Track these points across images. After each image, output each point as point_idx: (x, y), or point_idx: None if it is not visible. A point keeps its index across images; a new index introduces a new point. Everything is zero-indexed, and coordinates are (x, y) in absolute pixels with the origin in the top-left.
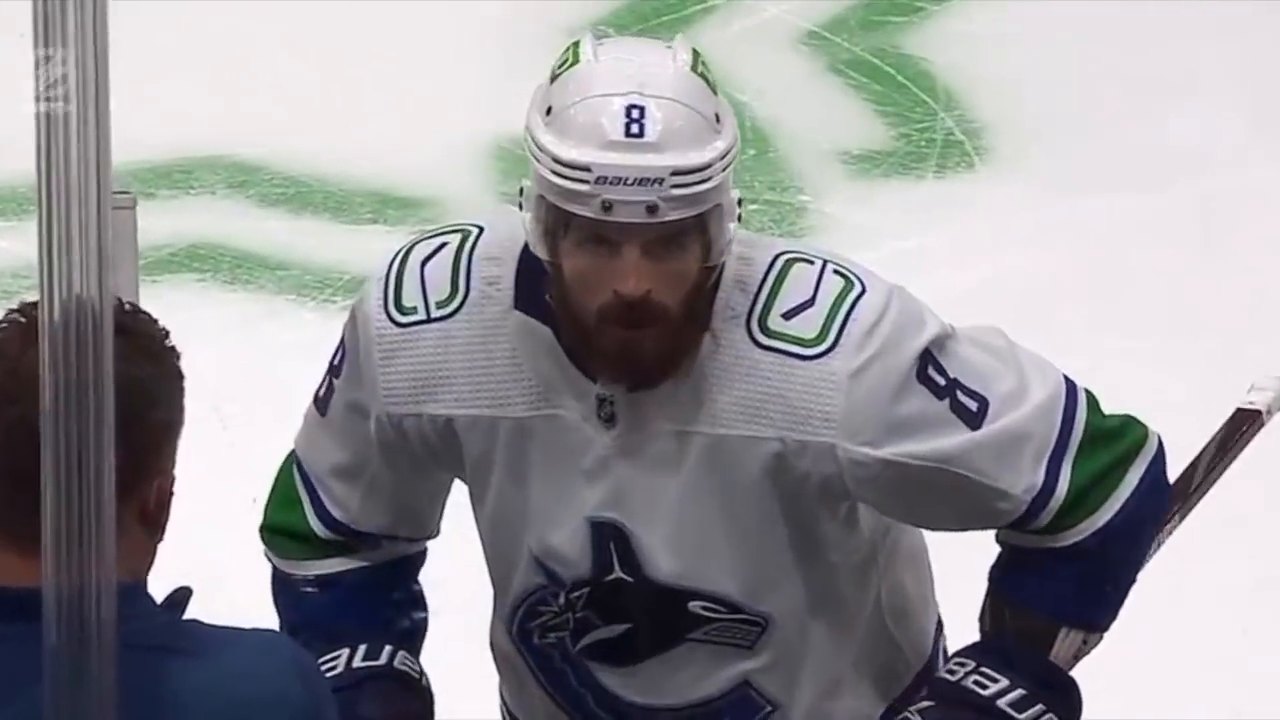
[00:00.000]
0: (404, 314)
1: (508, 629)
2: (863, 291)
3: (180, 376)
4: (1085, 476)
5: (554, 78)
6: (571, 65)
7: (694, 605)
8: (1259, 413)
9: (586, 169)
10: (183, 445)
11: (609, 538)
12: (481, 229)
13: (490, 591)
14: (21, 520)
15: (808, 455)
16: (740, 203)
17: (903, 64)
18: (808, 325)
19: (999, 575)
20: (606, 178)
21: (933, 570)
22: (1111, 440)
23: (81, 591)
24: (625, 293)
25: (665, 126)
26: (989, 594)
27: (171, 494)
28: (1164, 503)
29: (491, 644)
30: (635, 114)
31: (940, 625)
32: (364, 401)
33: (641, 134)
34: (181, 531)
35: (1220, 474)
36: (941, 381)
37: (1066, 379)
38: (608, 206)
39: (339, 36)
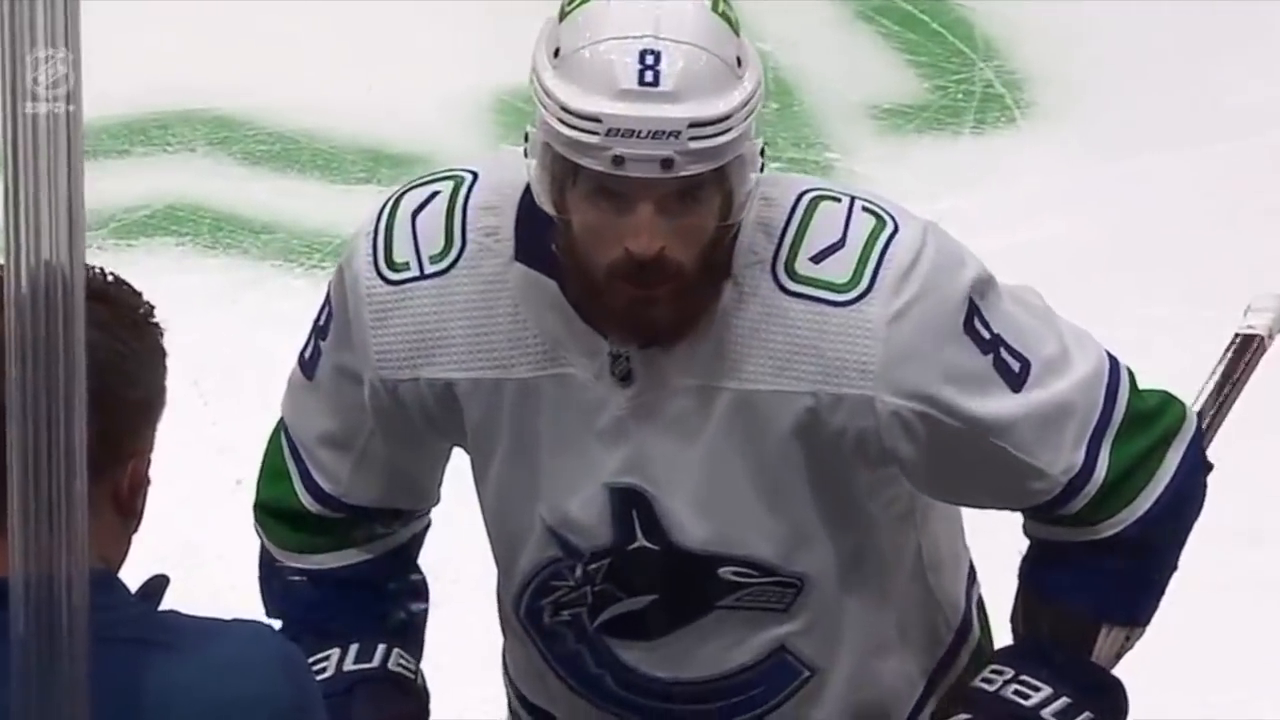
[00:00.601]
0: (395, 270)
1: (515, 611)
2: (896, 229)
3: (162, 352)
4: (1124, 460)
5: (563, 14)
6: (583, 2)
7: (724, 571)
8: (1260, 337)
9: (596, 119)
10: (163, 423)
11: (630, 504)
12: (475, 175)
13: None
14: None
15: (843, 409)
16: (763, 152)
17: (938, 10)
18: (839, 268)
19: (1031, 572)
20: (618, 130)
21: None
22: (1150, 421)
23: (51, 578)
24: (637, 251)
25: (682, 73)
26: (1020, 592)
27: (147, 477)
28: (1204, 484)
29: (502, 627)
30: (650, 60)
31: (973, 575)
32: (354, 366)
33: (656, 82)
34: (159, 516)
35: (1229, 408)
36: (986, 335)
37: (1108, 354)
38: (619, 160)
39: None
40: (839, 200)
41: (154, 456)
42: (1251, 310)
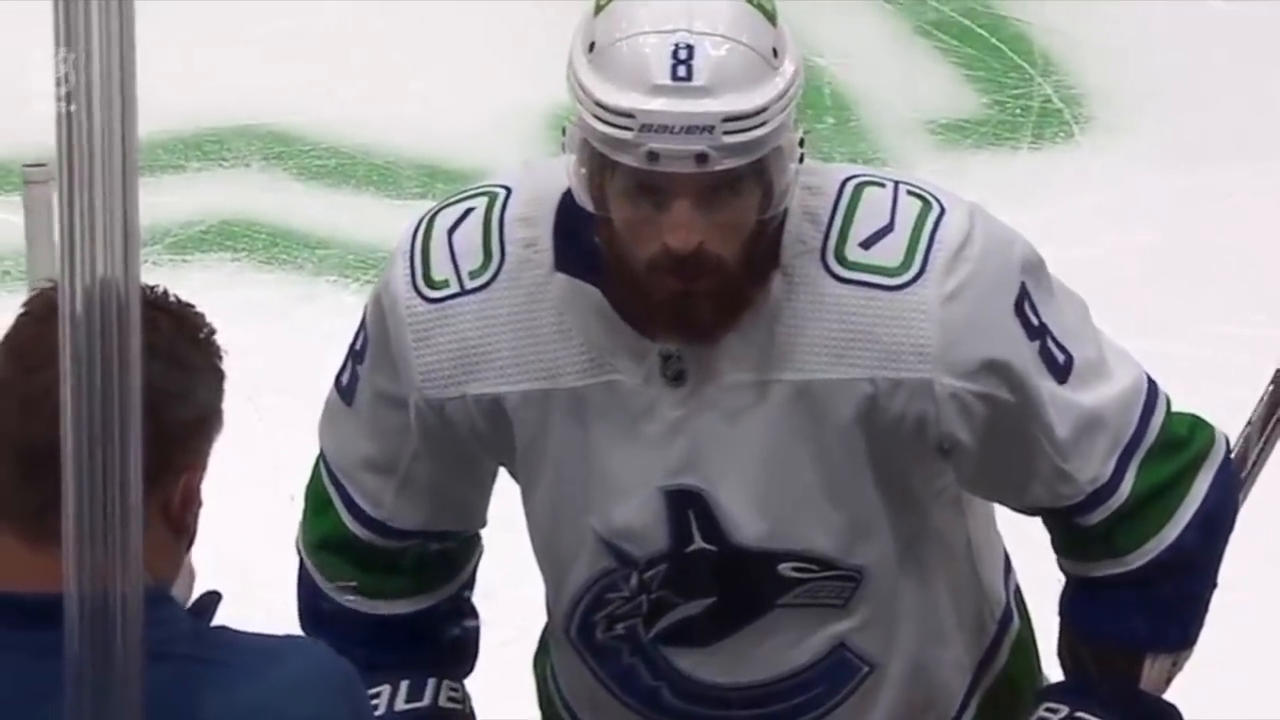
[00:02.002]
0: (435, 288)
1: (565, 631)
2: (943, 211)
3: (219, 372)
4: (1150, 483)
5: (598, 8)
6: None
7: (784, 567)
8: None
9: (630, 115)
10: (219, 437)
11: (686, 506)
12: (508, 189)
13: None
14: (34, 509)
15: (901, 394)
16: (802, 143)
17: (996, 25)
18: (889, 252)
19: (1071, 611)
20: (651, 125)
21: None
22: (1180, 448)
23: (106, 595)
24: (675, 246)
25: (716, 67)
26: (1063, 630)
27: (200, 495)
28: (1235, 506)
29: (550, 646)
30: (683, 54)
31: (1009, 564)
32: (395, 390)
33: (689, 76)
34: (213, 532)
35: (1273, 446)
36: (1034, 321)
37: (1146, 375)
38: (653, 156)
39: None
40: (883, 185)
41: (209, 472)
42: None
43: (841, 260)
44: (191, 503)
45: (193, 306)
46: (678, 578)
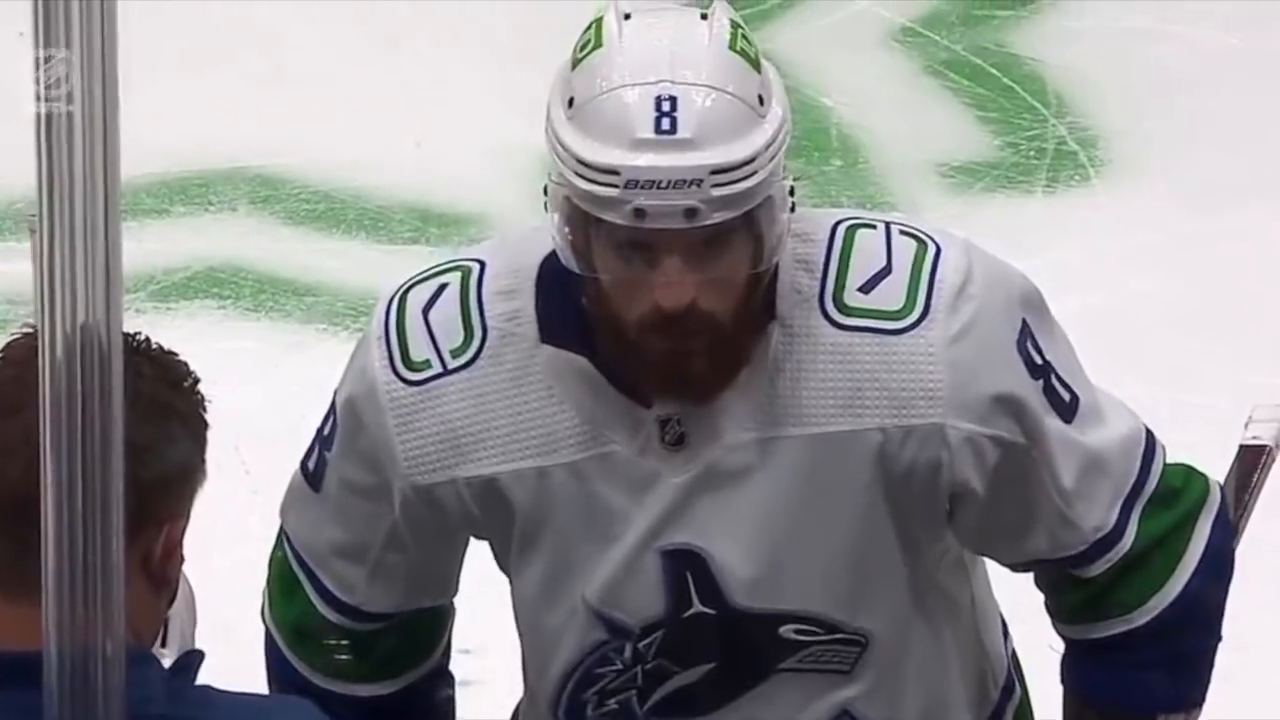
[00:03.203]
0: (415, 370)
1: (553, 712)
2: (939, 249)
3: (203, 422)
4: (1151, 533)
5: (575, 62)
6: (594, 48)
7: (786, 630)
8: (1267, 447)
9: (614, 171)
10: (204, 490)
11: (684, 567)
12: (482, 263)
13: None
14: (10, 560)
15: (913, 442)
16: (793, 191)
17: (1009, 64)
18: (890, 295)
19: (1077, 678)
20: (637, 181)
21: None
22: (1176, 498)
23: (86, 653)
24: (667, 305)
25: (701, 118)
26: (1068, 700)
27: (181, 545)
28: (1232, 554)
29: None
30: (666, 105)
31: (1005, 628)
32: (367, 479)
33: (674, 129)
34: (196, 587)
35: (1247, 520)
36: (1038, 360)
37: (1143, 423)
38: (640, 213)
39: (375, 34)
40: (874, 227)
41: (191, 525)
42: (1254, 421)
43: (841, 307)
44: (173, 556)
45: (175, 354)
46: (675, 645)
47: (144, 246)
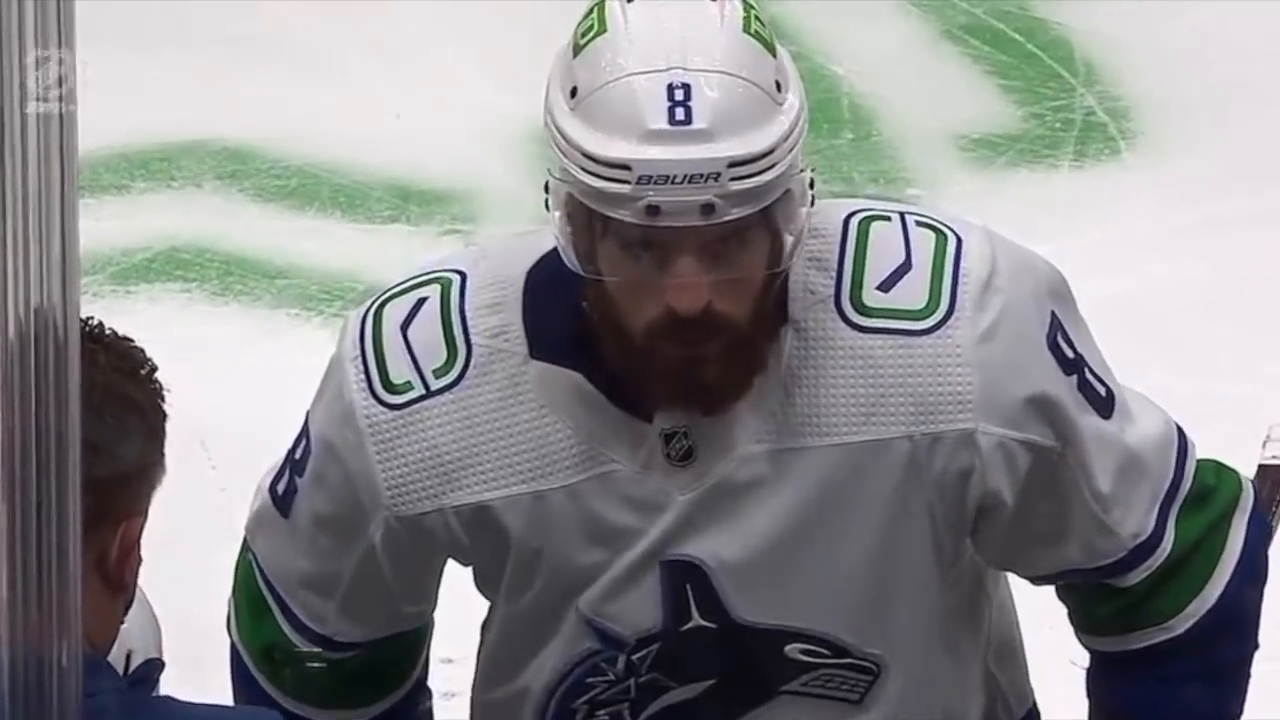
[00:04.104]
0: (396, 392)
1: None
2: (959, 240)
3: (160, 409)
4: (1188, 538)
5: (577, 48)
6: (598, 33)
7: (792, 649)
8: None
9: (625, 166)
10: (166, 487)
11: (683, 579)
12: (462, 274)
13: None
14: None
15: (942, 450)
16: (812, 184)
17: (1033, 29)
18: (912, 293)
19: (1110, 693)
20: (650, 176)
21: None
22: (1210, 497)
23: (41, 661)
24: (681, 309)
25: (717, 107)
26: (1096, 714)
27: (138, 545)
28: (1267, 557)
29: None
30: (679, 94)
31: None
32: (345, 514)
33: (689, 119)
34: (159, 592)
35: (1270, 541)
36: (1070, 354)
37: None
38: (653, 210)
39: None
40: (889, 218)
41: (155, 525)
42: (1272, 440)
43: (860, 307)
44: (130, 557)
45: (131, 341)
46: (671, 658)
47: (102, 225)
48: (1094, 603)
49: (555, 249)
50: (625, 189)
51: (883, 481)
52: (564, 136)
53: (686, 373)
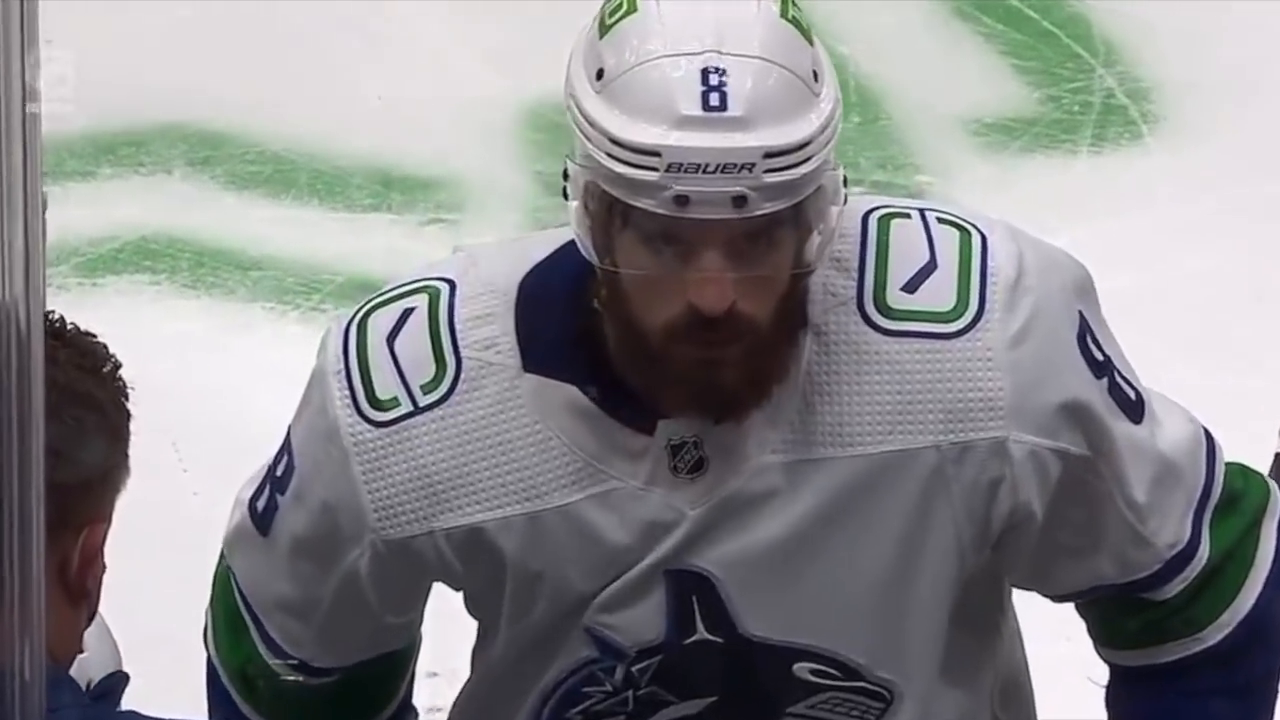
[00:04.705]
0: (382, 409)
1: None
2: (984, 238)
3: (124, 409)
4: (1222, 545)
5: (604, 27)
6: (627, 13)
7: (800, 668)
8: None
9: (654, 153)
10: (136, 492)
11: (690, 591)
12: (450, 282)
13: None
14: None
15: (971, 461)
16: (845, 181)
17: (1050, 6)
18: (939, 294)
19: (1133, 709)
20: (681, 164)
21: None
22: (1240, 502)
23: (1, 677)
24: (705, 307)
25: (753, 94)
26: None
27: (101, 552)
28: None
29: None
30: (714, 79)
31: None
32: (326, 537)
33: (723, 105)
34: (127, 600)
35: None
36: (1099, 356)
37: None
38: (682, 200)
39: None
40: (909, 215)
41: (124, 531)
42: None
43: (884, 309)
44: (93, 564)
45: (93, 336)
46: (673, 672)
47: (67, 214)
48: (1121, 616)
49: (549, 257)
50: (653, 176)
51: (905, 494)
52: (588, 120)
53: (705, 376)
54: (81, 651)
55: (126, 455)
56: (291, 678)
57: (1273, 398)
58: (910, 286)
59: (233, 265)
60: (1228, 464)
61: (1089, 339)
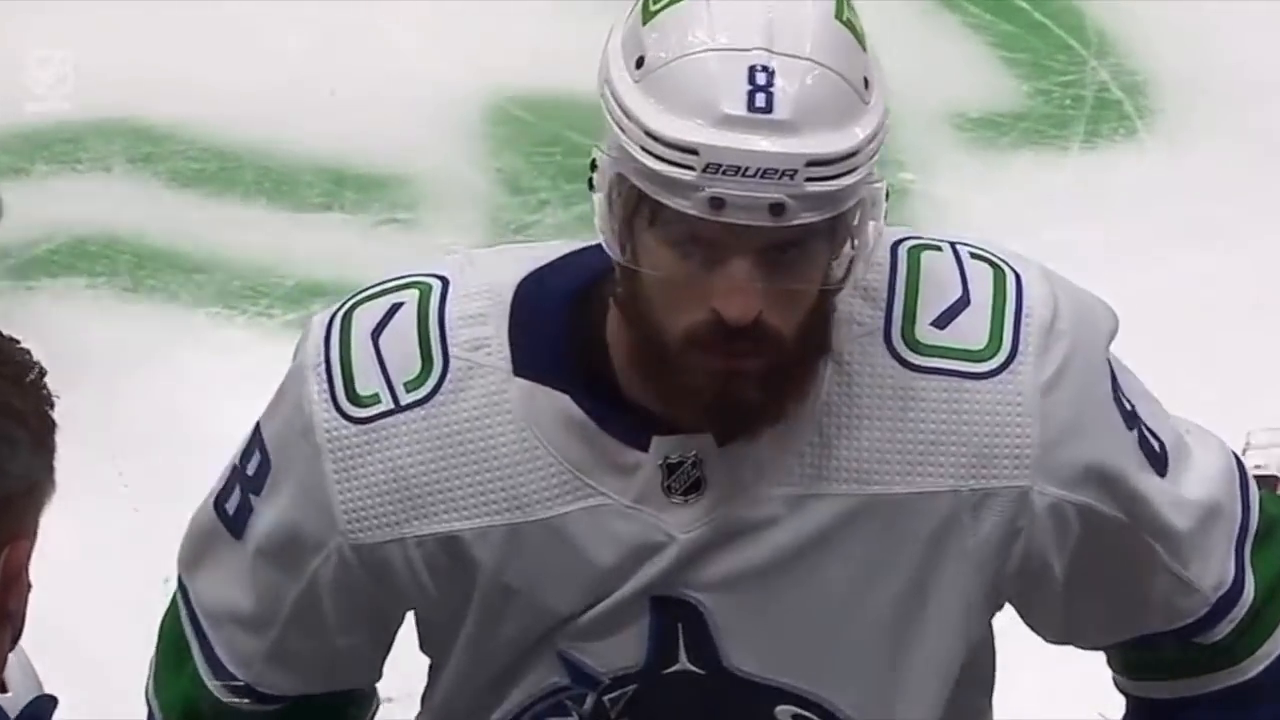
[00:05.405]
0: (361, 405)
1: None
2: (1019, 278)
3: (49, 420)
4: (1266, 578)
5: (648, 14)
6: (673, 1)
7: (782, 710)
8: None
9: (692, 151)
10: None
11: (675, 619)
12: (444, 280)
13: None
14: None
15: (991, 510)
16: (887, 196)
17: None
18: (971, 332)
19: None
20: (719, 165)
21: None
22: (1276, 529)
23: None
24: (730, 316)
25: (801, 98)
26: None
27: (26, 571)
28: None
29: None
30: (762, 78)
31: None
32: (289, 541)
33: (769, 107)
34: (61, 621)
35: None
36: (1129, 406)
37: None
38: (717, 203)
39: None
40: (940, 249)
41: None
42: (1252, 448)
43: (912, 344)
44: (16, 583)
45: (16, 341)
46: (647, 703)
47: None
48: (1155, 652)
49: (552, 262)
50: (689, 175)
51: (915, 539)
52: (623, 109)
53: (722, 388)
54: (3, 687)
55: (52, 468)
56: (232, 700)
57: (1271, 404)
58: (941, 322)
59: (175, 268)
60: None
61: (1118, 390)
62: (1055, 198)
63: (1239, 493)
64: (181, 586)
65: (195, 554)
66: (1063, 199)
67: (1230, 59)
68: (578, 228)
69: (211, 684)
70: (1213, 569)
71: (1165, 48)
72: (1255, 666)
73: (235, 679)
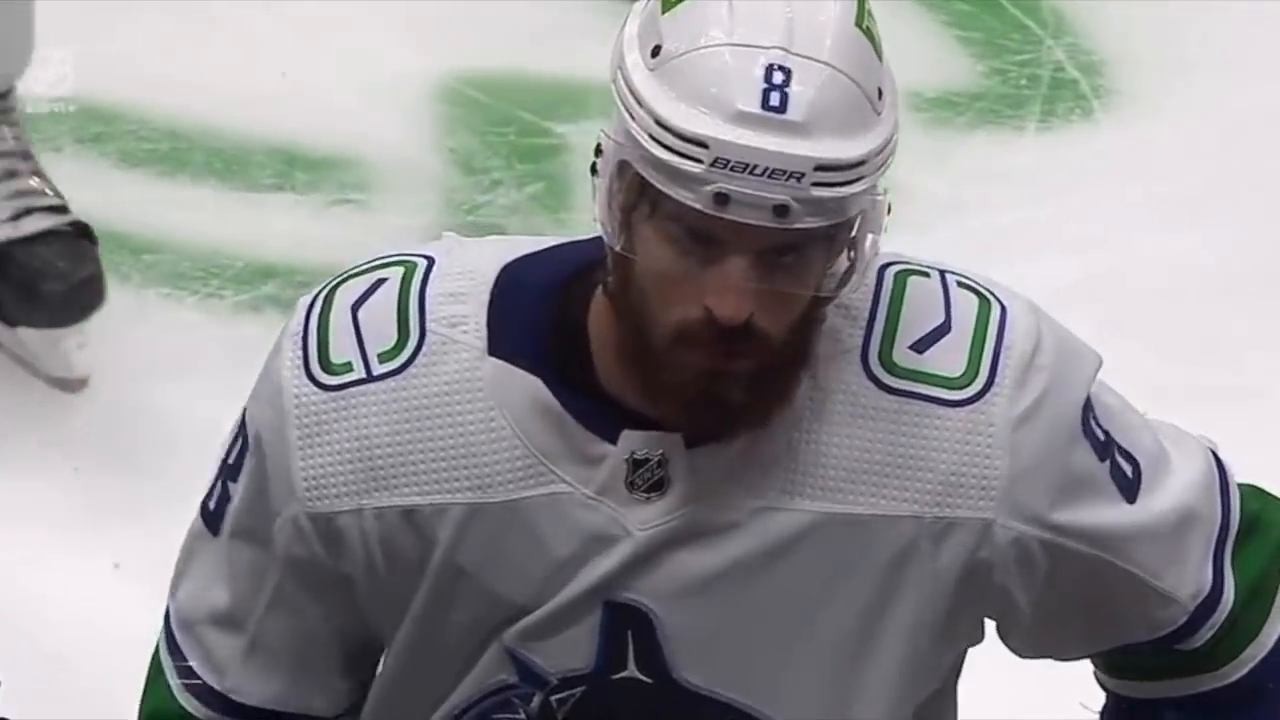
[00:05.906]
0: (333, 373)
1: None
2: (1004, 309)
3: None
4: (1248, 578)
5: (668, 4)
6: None
7: None
8: None
9: (702, 144)
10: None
11: (625, 625)
12: (430, 259)
13: None
14: None
15: (952, 539)
16: (889, 209)
17: None
18: (949, 358)
19: None
20: (728, 161)
21: None
22: (1258, 529)
23: None
24: (722, 314)
25: (816, 101)
26: None
27: None
28: None
29: None
30: (778, 77)
31: None
32: (259, 514)
33: (783, 107)
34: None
35: None
36: (1101, 436)
37: (1207, 445)
38: (722, 199)
39: None
40: (928, 275)
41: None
42: None
43: (889, 366)
44: None
45: None
46: (593, 707)
47: None
48: (1136, 653)
49: (540, 251)
50: (696, 169)
51: (874, 562)
52: (635, 96)
53: (706, 386)
54: None
55: None
56: (204, 716)
57: (1239, 391)
58: (920, 346)
59: (125, 249)
60: (1242, 486)
61: (1093, 420)
62: (1011, 177)
63: (1218, 497)
64: (167, 610)
65: (180, 566)
66: (1019, 179)
67: (1186, 38)
68: (531, 208)
69: (181, 699)
70: (1190, 578)
71: (1122, 28)
72: (1237, 671)
73: (208, 690)
